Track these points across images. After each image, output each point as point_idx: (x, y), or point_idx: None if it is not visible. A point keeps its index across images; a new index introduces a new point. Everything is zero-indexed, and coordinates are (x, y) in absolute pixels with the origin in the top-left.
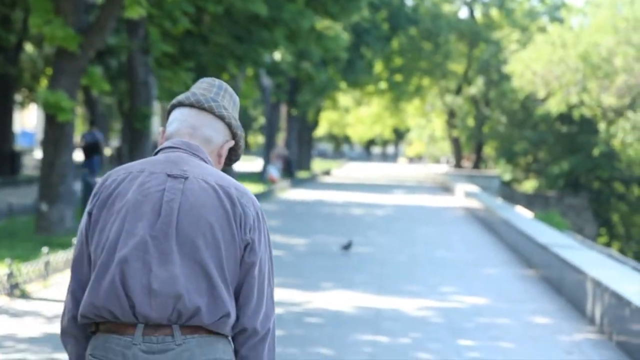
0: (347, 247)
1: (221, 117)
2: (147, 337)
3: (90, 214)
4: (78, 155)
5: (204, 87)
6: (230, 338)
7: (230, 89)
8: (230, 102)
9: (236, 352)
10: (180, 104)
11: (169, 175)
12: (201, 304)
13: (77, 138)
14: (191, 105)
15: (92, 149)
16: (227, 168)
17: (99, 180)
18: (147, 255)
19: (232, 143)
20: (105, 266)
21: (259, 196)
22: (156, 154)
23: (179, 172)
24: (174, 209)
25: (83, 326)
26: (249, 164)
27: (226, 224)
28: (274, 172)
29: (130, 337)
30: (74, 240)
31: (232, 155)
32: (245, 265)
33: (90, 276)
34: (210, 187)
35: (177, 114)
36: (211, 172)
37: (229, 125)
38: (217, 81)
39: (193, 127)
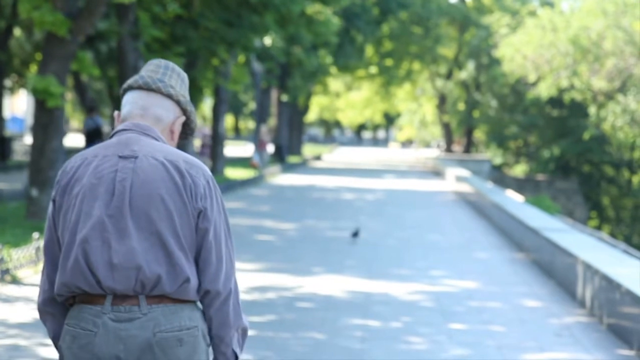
0: (355, 234)
1: (169, 96)
2: (115, 306)
3: (54, 200)
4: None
5: (151, 69)
6: (198, 303)
7: (177, 68)
8: (177, 81)
9: (205, 314)
10: (131, 88)
11: (120, 157)
12: (161, 272)
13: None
14: (140, 88)
15: (93, 134)
16: (184, 142)
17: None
18: (106, 233)
19: (183, 119)
20: (69, 247)
21: (249, 181)
22: (111, 137)
23: (129, 152)
24: (127, 187)
25: (59, 304)
26: (239, 148)
27: (177, 195)
28: (255, 157)
29: (100, 306)
30: None
31: (187, 130)
32: (200, 231)
33: (59, 256)
34: (159, 163)
35: (128, 97)
36: (160, 149)
37: (178, 102)
38: (163, 62)
39: (143, 108)
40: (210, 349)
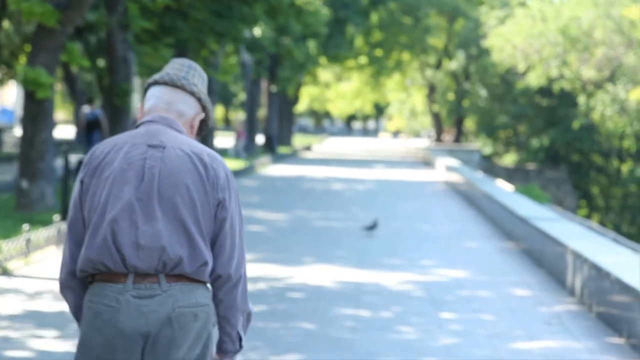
0: (371, 227)
1: (192, 93)
2: (137, 284)
3: (82, 181)
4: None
5: (176, 67)
6: (208, 285)
7: (199, 68)
8: (199, 80)
9: (214, 296)
10: (156, 83)
11: (149, 146)
12: (182, 254)
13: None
14: (165, 84)
15: (92, 125)
16: (201, 138)
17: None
18: (134, 215)
19: (202, 115)
20: (98, 226)
21: (240, 172)
22: (137, 127)
23: (158, 142)
24: (155, 174)
25: (80, 279)
26: (229, 139)
27: (200, 185)
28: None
29: (123, 284)
30: (55, 217)
31: (203, 126)
32: (218, 220)
33: (84, 235)
34: (185, 154)
35: (153, 91)
36: (186, 141)
37: (199, 100)
38: (187, 61)
39: (168, 103)
40: (216, 330)
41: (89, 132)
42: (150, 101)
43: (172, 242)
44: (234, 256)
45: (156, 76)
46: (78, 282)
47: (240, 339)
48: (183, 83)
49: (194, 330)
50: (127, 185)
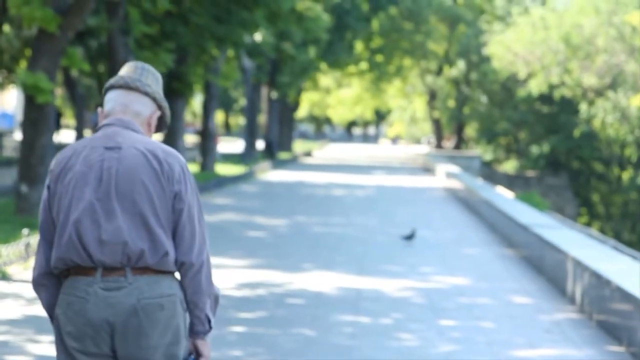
0: (409, 237)
1: (146, 94)
2: (105, 277)
3: (48, 187)
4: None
5: (130, 70)
6: (176, 274)
7: (152, 69)
8: (153, 80)
9: (181, 283)
10: (112, 87)
11: (106, 148)
12: (144, 247)
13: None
14: (121, 87)
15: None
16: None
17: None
18: (95, 214)
19: (159, 113)
20: (64, 226)
21: (240, 177)
22: (97, 131)
23: (114, 144)
24: (112, 174)
25: (53, 277)
26: (230, 145)
27: (156, 180)
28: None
29: (92, 277)
30: None
31: (161, 123)
32: (176, 211)
33: (54, 236)
34: (140, 153)
35: (111, 95)
36: (141, 140)
37: (154, 99)
38: (140, 63)
39: (124, 105)
40: (187, 314)
41: None
42: (109, 104)
43: (133, 236)
44: (194, 244)
45: (112, 80)
46: (52, 280)
47: (209, 321)
48: (137, 85)
49: (162, 319)
50: (87, 187)
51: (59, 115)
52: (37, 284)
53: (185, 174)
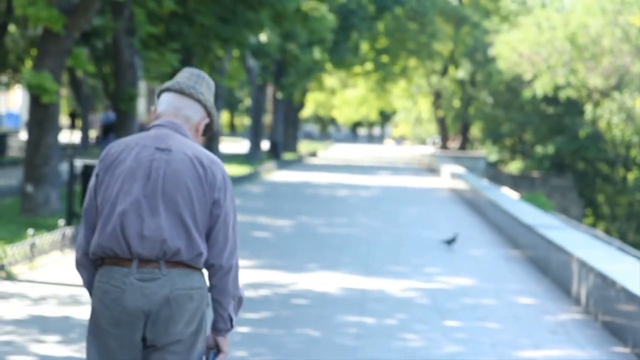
0: (451, 241)
1: (198, 101)
2: (140, 269)
3: (97, 175)
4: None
5: (186, 76)
6: (204, 270)
7: (207, 77)
8: (206, 88)
9: (209, 282)
10: (168, 90)
11: (157, 148)
12: (180, 245)
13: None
14: (175, 91)
15: (108, 128)
16: (206, 140)
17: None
18: (140, 209)
19: (207, 120)
20: (109, 217)
21: (245, 177)
22: (148, 129)
23: (165, 146)
24: (160, 175)
25: (92, 259)
26: (235, 145)
27: (199, 186)
28: None
29: (128, 268)
30: (60, 222)
31: (208, 129)
32: (213, 216)
33: (97, 222)
34: (188, 158)
35: (165, 97)
36: (190, 146)
37: (205, 107)
38: (196, 71)
39: (177, 109)
40: (211, 311)
41: (105, 135)
42: (162, 106)
43: (172, 234)
44: (226, 248)
45: (168, 84)
46: (91, 261)
47: (231, 320)
48: (191, 92)
49: (190, 310)
50: (136, 183)
51: (74, 116)
52: (79, 264)
53: (226, 183)
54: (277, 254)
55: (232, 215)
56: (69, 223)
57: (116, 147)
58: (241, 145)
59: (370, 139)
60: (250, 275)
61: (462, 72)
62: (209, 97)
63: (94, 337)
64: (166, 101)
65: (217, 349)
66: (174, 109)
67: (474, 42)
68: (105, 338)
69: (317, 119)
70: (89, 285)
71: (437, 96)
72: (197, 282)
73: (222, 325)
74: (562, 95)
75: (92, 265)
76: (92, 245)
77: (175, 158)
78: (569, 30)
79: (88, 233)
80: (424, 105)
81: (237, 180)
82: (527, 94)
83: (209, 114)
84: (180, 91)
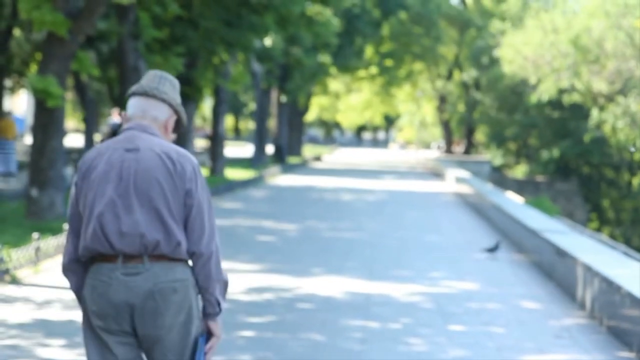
0: (493, 249)
1: (163, 100)
2: (125, 264)
3: (76, 184)
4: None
5: (149, 78)
6: (189, 262)
7: (169, 77)
8: (170, 88)
9: (193, 270)
10: (133, 94)
11: (126, 150)
12: (159, 237)
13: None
14: (140, 94)
15: (115, 133)
16: (178, 136)
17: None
18: (116, 208)
19: (175, 117)
20: (89, 220)
21: (250, 182)
22: (120, 133)
23: (133, 146)
24: (131, 174)
25: (80, 263)
26: (239, 149)
27: (169, 179)
28: None
29: (114, 264)
30: (65, 226)
31: (178, 126)
32: (187, 206)
33: (81, 228)
34: (156, 154)
35: (132, 101)
36: (157, 143)
37: (170, 105)
38: (159, 72)
39: (143, 111)
40: (200, 297)
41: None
42: (130, 110)
43: (149, 228)
44: (203, 235)
45: (133, 88)
46: (79, 266)
47: (219, 303)
48: (154, 92)
49: (175, 301)
50: (109, 185)
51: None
52: (66, 269)
53: (196, 174)
54: (282, 258)
55: (206, 203)
56: None
57: (90, 154)
58: (245, 150)
59: (375, 143)
60: (254, 279)
61: (466, 76)
62: (173, 95)
63: (89, 339)
64: (133, 105)
65: (209, 333)
66: (141, 111)
67: (479, 45)
68: (99, 336)
69: (322, 123)
70: (77, 289)
71: (442, 100)
72: (180, 274)
73: (210, 309)
74: (566, 99)
75: (80, 269)
76: (80, 248)
77: (144, 156)
78: (572, 34)
79: (74, 239)
80: (429, 110)
81: (242, 184)
82: (532, 99)
83: (175, 112)
84: (145, 93)
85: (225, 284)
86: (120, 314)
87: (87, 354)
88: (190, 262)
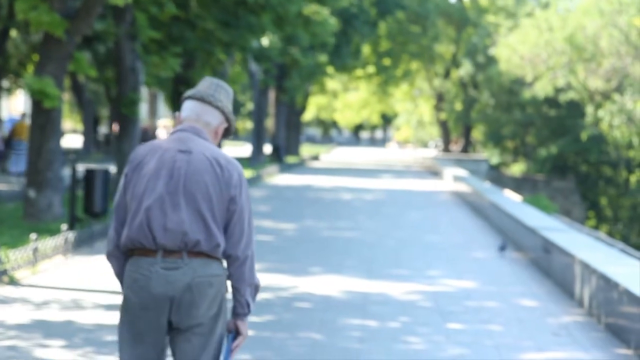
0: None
1: (217, 107)
2: (164, 259)
3: (126, 175)
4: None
5: (206, 85)
6: (223, 261)
7: (225, 85)
8: (224, 96)
9: (228, 271)
10: (190, 98)
11: (179, 150)
12: (200, 237)
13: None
14: (197, 99)
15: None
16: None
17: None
18: (164, 205)
19: (225, 125)
20: (136, 212)
21: (248, 181)
22: (173, 134)
23: (186, 148)
24: (182, 174)
25: (123, 251)
26: (237, 149)
27: (217, 184)
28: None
29: (154, 258)
30: (63, 227)
31: (227, 133)
32: (230, 211)
33: (126, 217)
34: (207, 159)
35: (188, 104)
36: (208, 147)
37: (223, 112)
38: (215, 80)
39: (197, 115)
40: (231, 297)
41: None
42: (185, 112)
43: (192, 227)
44: (242, 240)
45: (190, 92)
46: (121, 252)
47: (248, 305)
48: (210, 99)
49: (210, 295)
50: (159, 181)
51: (96, 121)
52: (110, 255)
53: (242, 182)
54: (280, 258)
55: (247, 210)
56: (71, 228)
57: (143, 149)
58: (243, 149)
59: (373, 142)
60: None
61: (462, 72)
62: (227, 103)
63: (125, 322)
64: (188, 108)
65: (236, 332)
66: (195, 115)
67: (476, 41)
68: (134, 321)
69: (319, 122)
70: (119, 274)
71: (439, 99)
72: (216, 270)
73: (240, 310)
74: (562, 97)
75: (122, 256)
76: (123, 238)
77: (195, 159)
78: (568, 32)
79: (118, 227)
80: (426, 108)
81: (244, 175)
82: (527, 95)
83: (227, 119)
84: (201, 99)
85: (256, 288)
86: (159, 305)
87: (120, 336)
88: (224, 262)
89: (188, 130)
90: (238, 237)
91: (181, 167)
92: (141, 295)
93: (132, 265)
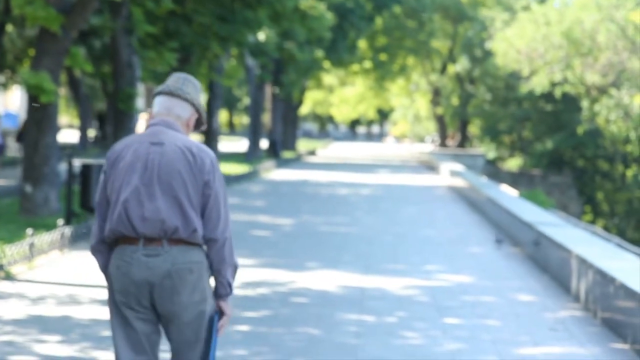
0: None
1: (186, 100)
2: (146, 246)
3: (105, 172)
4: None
5: (174, 79)
6: (204, 247)
7: (192, 79)
8: (192, 88)
9: (208, 255)
10: (159, 93)
11: (151, 143)
12: (178, 224)
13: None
14: (165, 94)
15: None
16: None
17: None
18: (140, 196)
19: (196, 116)
20: (115, 205)
21: (244, 176)
22: (146, 129)
23: (158, 140)
24: (155, 165)
25: (106, 244)
26: (234, 144)
27: (190, 171)
28: None
29: (136, 246)
30: (59, 222)
31: (198, 124)
32: (205, 196)
33: (107, 212)
34: (179, 148)
35: (158, 100)
36: (180, 138)
37: (193, 104)
38: (182, 74)
39: (168, 109)
40: (212, 279)
41: None
42: (156, 108)
43: (169, 214)
44: (219, 223)
45: (159, 88)
46: (105, 246)
47: (230, 285)
48: (179, 93)
49: (191, 281)
50: (135, 174)
51: (102, 117)
52: (94, 249)
53: (214, 167)
54: (277, 253)
55: (222, 194)
56: (67, 223)
57: (118, 146)
58: (240, 144)
59: (369, 137)
60: (249, 273)
61: (459, 67)
62: (195, 96)
63: (114, 313)
64: (159, 103)
65: (220, 312)
66: (165, 109)
67: (472, 35)
68: (122, 311)
69: (316, 117)
70: (103, 268)
71: (436, 94)
72: (197, 257)
73: (222, 290)
74: (559, 91)
75: (106, 249)
76: (106, 230)
77: (167, 150)
78: (565, 26)
79: (101, 222)
80: (423, 103)
81: (236, 179)
82: (523, 89)
83: (197, 111)
84: (170, 93)
85: (235, 268)
86: (140, 291)
87: (112, 328)
88: (205, 248)
89: (160, 124)
90: (215, 221)
91: (155, 158)
92: (123, 281)
93: (117, 253)
